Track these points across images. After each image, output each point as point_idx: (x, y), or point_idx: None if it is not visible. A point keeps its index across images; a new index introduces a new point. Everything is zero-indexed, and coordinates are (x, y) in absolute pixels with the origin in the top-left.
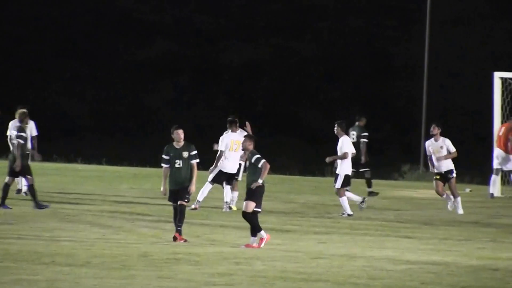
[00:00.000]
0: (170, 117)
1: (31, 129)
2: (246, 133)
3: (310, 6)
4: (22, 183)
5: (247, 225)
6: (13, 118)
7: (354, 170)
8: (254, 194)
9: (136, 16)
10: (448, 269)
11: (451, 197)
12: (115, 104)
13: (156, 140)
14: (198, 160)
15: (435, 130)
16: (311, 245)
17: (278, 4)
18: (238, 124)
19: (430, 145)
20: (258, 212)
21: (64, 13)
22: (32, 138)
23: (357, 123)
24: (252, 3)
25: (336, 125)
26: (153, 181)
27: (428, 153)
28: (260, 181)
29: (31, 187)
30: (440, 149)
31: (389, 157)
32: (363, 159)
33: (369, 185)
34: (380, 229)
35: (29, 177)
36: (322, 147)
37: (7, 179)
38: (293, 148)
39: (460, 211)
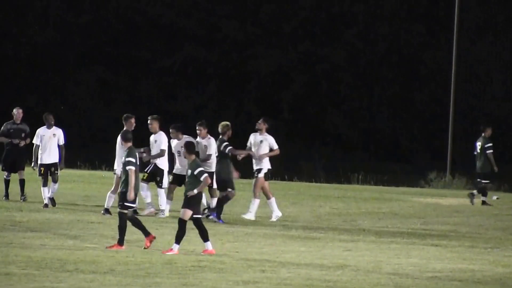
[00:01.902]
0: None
1: (59, 137)
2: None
3: (338, 12)
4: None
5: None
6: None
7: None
8: (190, 202)
9: (164, 22)
10: (474, 277)
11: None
12: (141, 110)
13: None
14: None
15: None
16: (336, 253)
17: (307, 11)
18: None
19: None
20: (199, 218)
21: (92, 19)
22: (59, 147)
23: (482, 134)
24: (281, 10)
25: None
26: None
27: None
28: (195, 191)
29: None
30: None
31: (416, 164)
32: (495, 169)
33: (484, 194)
34: (406, 237)
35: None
36: (349, 154)
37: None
38: (319, 155)
39: None
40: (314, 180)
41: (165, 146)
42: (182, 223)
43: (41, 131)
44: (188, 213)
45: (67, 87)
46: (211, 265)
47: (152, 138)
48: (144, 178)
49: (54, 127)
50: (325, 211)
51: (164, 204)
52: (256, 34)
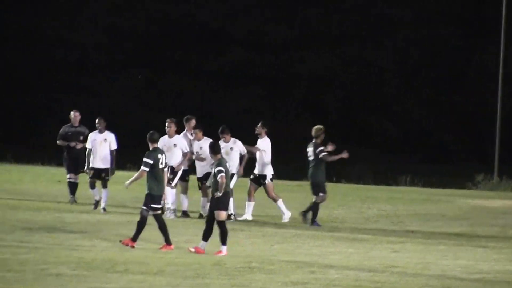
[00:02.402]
0: (243, 127)
1: (110, 142)
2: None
3: (384, 16)
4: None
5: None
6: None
7: None
8: (220, 202)
9: (211, 25)
10: None
11: None
12: (187, 113)
13: None
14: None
15: None
16: (384, 254)
17: (353, 13)
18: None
19: None
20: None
21: (139, 22)
22: (111, 152)
23: None
24: (327, 12)
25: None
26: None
27: None
28: (219, 194)
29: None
30: None
31: (463, 166)
32: None
33: None
34: (453, 239)
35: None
36: (396, 156)
37: None
38: (366, 158)
39: None
40: (361, 182)
41: (186, 149)
42: (221, 224)
43: (93, 135)
44: (223, 213)
45: (114, 89)
46: (260, 266)
47: (170, 141)
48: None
49: (106, 131)
50: (373, 213)
51: (171, 202)
52: (302, 37)
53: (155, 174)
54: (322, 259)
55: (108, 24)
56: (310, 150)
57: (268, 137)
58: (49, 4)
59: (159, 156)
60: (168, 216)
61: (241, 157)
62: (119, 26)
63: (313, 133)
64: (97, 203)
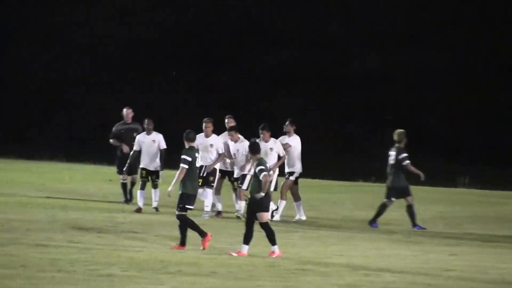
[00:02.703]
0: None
1: (159, 142)
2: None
3: (442, 14)
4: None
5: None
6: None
7: None
8: (262, 203)
9: (265, 22)
10: None
11: None
12: (240, 111)
13: None
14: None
15: None
16: (441, 257)
17: (409, 12)
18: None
19: None
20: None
21: (194, 20)
22: (160, 152)
23: None
24: (383, 11)
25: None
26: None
27: None
28: (262, 194)
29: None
30: None
31: None
32: None
33: None
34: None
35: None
36: (452, 158)
37: None
38: (422, 159)
39: None
40: (419, 183)
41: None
42: (265, 226)
43: (141, 137)
44: (265, 215)
45: (166, 87)
46: (315, 268)
47: (206, 140)
48: (200, 183)
49: (154, 132)
50: (430, 215)
51: (210, 205)
52: (357, 35)
53: (191, 173)
54: (378, 261)
55: (158, 21)
56: (392, 154)
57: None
58: None
59: (196, 154)
60: (203, 217)
61: (279, 158)
62: (169, 23)
63: (395, 137)
64: (139, 210)
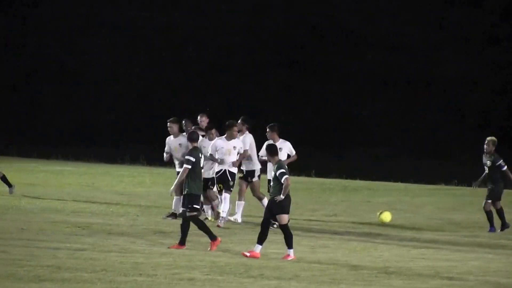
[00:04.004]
0: (380, 129)
1: (239, 149)
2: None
3: None
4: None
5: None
6: None
7: None
8: (283, 205)
9: (349, 27)
10: None
11: None
12: (325, 115)
13: (364, 153)
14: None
15: None
16: None
17: (494, 15)
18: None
19: None
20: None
21: (278, 23)
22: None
23: None
24: (467, 14)
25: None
26: (362, 193)
27: None
28: (282, 196)
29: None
30: None
31: None
32: None
33: None
34: None
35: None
36: None
37: None
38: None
39: None
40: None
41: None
42: (284, 228)
43: (219, 143)
44: (285, 217)
45: (251, 92)
46: (398, 271)
47: (175, 140)
48: (221, 188)
49: (235, 139)
50: None
51: (227, 210)
52: (441, 38)
53: (194, 173)
54: (461, 265)
55: (246, 25)
56: (488, 160)
57: (250, 133)
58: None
59: (200, 155)
60: (219, 222)
61: (288, 156)
62: (257, 27)
63: (490, 145)
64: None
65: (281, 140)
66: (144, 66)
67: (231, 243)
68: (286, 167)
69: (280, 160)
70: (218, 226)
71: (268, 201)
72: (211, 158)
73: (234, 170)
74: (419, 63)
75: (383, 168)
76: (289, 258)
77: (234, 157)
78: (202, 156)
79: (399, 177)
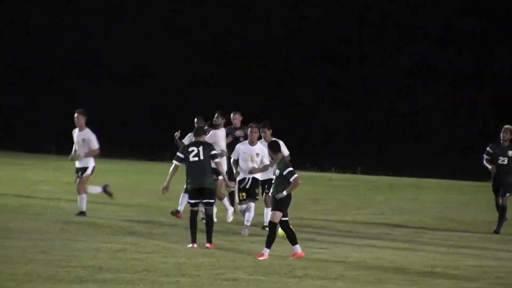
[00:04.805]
0: (427, 125)
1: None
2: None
3: None
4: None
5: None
6: None
7: None
8: (281, 204)
9: (394, 19)
10: None
11: None
12: (369, 111)
13: (411, 149)
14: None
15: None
16: None
17: None
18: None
19: None
20: (287, 220)
21: (322, 16)
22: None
23: None
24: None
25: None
26: (409, 191)
27: None
28: (285, 193)
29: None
30: None
31: None
32: None
33: None
34: None
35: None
36: None
37: None
38: None
39: None
40: None
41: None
42: (272, 226)
43: (242, 148)
44: (278, 215)
45: (294, 87)
46: (445, 271)
47: (79, 135)
48: (244, 197)
49: (257, 144)
50: None
51: (251, 220)
52: (494, 31)
53: (189, 169)
54: (509, 263)
55: (288, 19)
56: (510, 151)
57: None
58: None
59: (194, 149)
60: (243, 232)
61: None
62: (301, 22)
63: (508, 133)
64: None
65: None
66: (183, 60)
67: (274, 242)
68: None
69: (284, 157)
70: (243, 235)
71: (272, 198)
72: (233, 164)
73: (258, 176)
74: (468, 56)
75: (430, 164)
76: (262, 258)
77: (256, 164)
78: (199, 150)
79: (446, 174)
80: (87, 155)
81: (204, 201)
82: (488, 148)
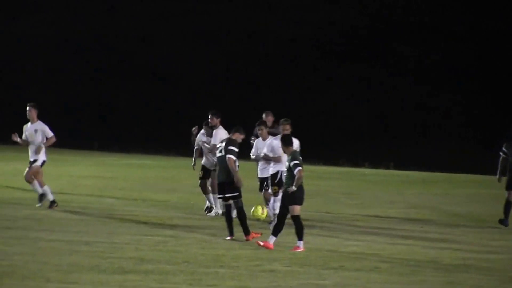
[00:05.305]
0: (456, 122)
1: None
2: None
3: None
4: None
5: None
6: None
7: None
8: (296, 196)
9: (425, 19)
10: None
11: None
12: (402, 107)
13: (442, 144)
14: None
15: None
16: None
17: None
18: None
19: None
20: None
21: (350, 16)
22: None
23: None
24: None
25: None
26: (441, 186)
27: None
28: (294, 188)
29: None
30: None
31: None
32: None
33: None
34: None
35: None
36: None
37: None
38: None
39: None
40: None
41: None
42: (296, 219)
43: (276, 143)
44: (297, 208)
45: (326, 85)
46: (477, 263)
47: (31, 126)
48: (276, 191)
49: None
50: None
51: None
52: None
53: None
54: None
55: (320, 17)
56: None
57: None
58: None
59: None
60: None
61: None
62: (331, 20)
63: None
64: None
65: (269, 137)
66: (214, 60)
67: (310, 235)
68: (300, 158)
69: (294, 150)
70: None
71: (282, 193)
72: (267, 158)
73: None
74: (499, 54)
75: (462, 160)
76: (298, 250)
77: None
78: (222, 147)
79: (479, 170)
80: (47, 144)
81: (227, 195)
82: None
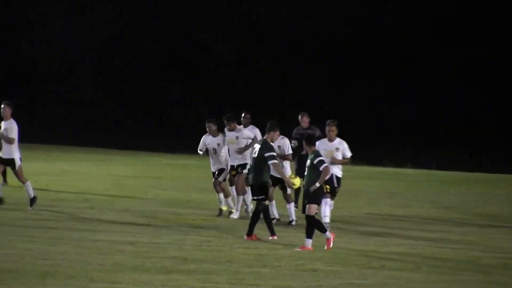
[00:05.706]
0: (497, 121)
1: (344, 150)
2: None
3: None
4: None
5: None
6: None
7: None
8: (316, 196)
9: (450, 17)
10: None
11: None
12: (441, 108)
13: (480, 144)
14: None
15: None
16: None
17: None
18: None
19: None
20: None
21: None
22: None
23: None
24: None
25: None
26: (482, 186)
27: None
28: (317, 184)
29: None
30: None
31: None
32: None
33: None
34: None
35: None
36: None
37: None
38: None
39: None
40: None
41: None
42: (309, 218)
43: (319, 146)
44: (314, 208)
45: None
46: None
47: (3, 124)
48: (328, 190)
49: (337, 139)
50: None
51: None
52: None
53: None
54: None
55: (347, 17)
56: None
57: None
58: None
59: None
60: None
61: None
62: (360, 19)
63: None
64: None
65: (281, 136)
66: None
67: (352, 233)
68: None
69: (317, 150)
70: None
71: (304, 190)
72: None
73: (340, 174)
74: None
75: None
76: (306, 249)
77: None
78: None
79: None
80: (4, 139)
81: (253, 197)
82: None
